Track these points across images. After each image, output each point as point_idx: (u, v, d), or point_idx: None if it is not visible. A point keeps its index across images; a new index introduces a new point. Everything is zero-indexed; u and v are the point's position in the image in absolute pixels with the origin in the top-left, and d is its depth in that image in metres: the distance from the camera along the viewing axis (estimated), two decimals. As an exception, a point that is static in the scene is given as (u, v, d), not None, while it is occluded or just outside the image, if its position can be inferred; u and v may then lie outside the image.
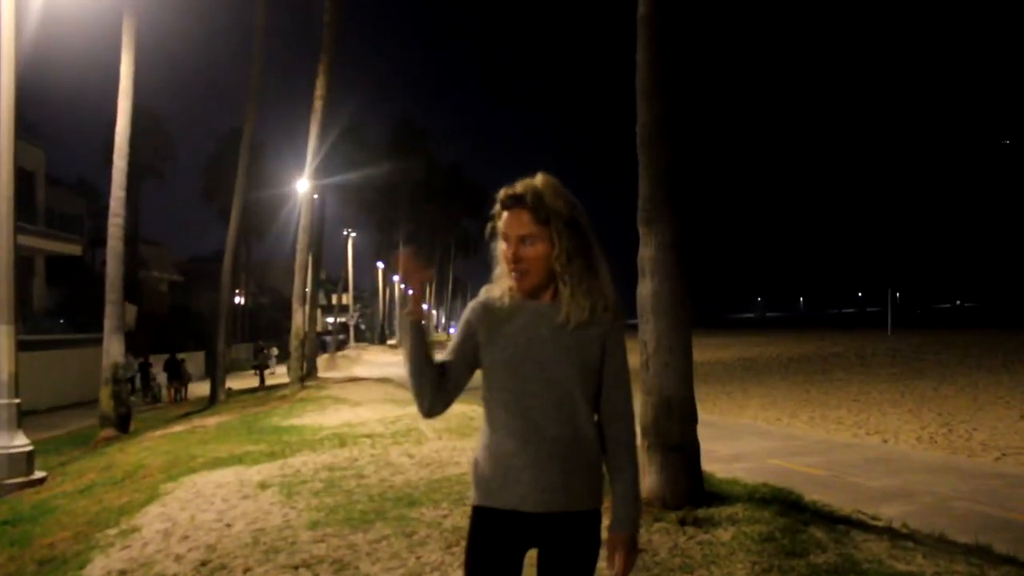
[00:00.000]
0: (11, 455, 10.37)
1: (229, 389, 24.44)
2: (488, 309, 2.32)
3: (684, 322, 6.38)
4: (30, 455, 10.70)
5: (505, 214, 2.29)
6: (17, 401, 10.61)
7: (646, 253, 6.36)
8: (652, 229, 6.34)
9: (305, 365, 24.59)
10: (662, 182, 6.37)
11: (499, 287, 2.35)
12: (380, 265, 76.09)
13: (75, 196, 41.31)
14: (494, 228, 2.33)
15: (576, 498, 2.25)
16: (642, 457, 6.21)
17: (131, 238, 27.63)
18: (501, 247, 2.31)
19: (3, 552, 7.00)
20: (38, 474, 10.76)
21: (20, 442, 10.55)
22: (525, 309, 2.30)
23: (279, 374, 32.72)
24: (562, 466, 2.23)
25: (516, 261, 2.26)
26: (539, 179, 2.30)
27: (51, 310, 31.27)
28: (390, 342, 74.00)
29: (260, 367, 30.18)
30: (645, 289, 6.36)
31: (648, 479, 6.18)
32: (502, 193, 2.30)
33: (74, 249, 32.72)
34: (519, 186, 2.29)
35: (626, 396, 2.35)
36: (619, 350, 2.34)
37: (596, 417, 2.33)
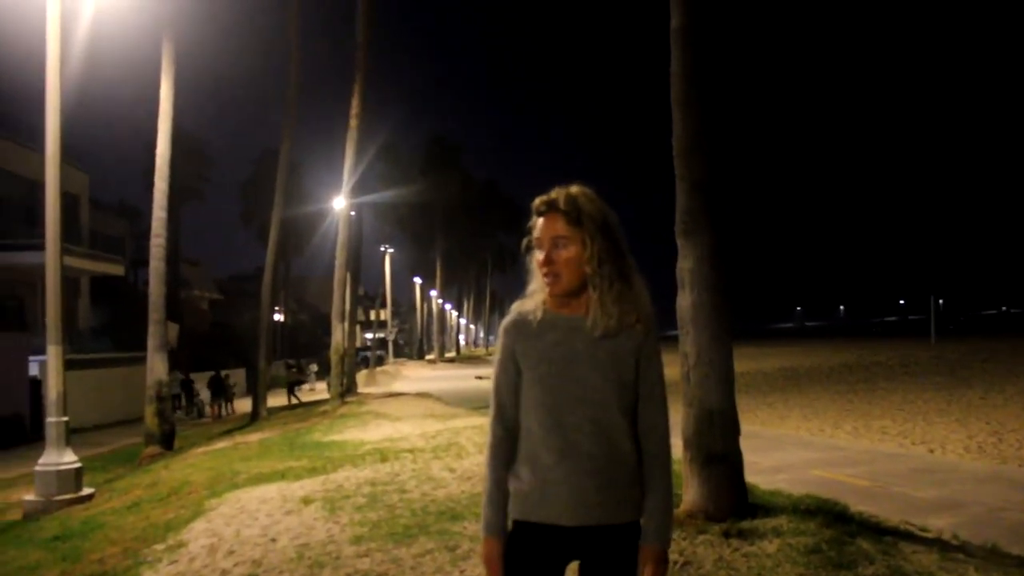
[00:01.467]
0: (60, 472, 10.56)
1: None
2: (521, 325, 2.33)
3: (724, 333, 6.35)
4: (78, 472, 10.89)
5: (540, 220, 2.31)
6: (66, 419, 10.81)
7: (685, 265, 6.35)
8: (690, 241, 6.33)
9: (345, 381, 24.76)
10: (699, 193, 6.36)
11: (532, 301, 2.35)
12: (417, 280, 76.45)
13: (117, 218, 42.08)
14: (530, 242, 2.35)
15: (614, 511, 2.25)
16: (685, 469, 6.18)
17: (172, 258, 28.04)
18: (535, 259, 2.32)
19: (55, 567, 7.13)
20: (86, 490, 10.94)
21: (69, 459, 10.75)
22: (558, 323, 2.30)
23: (319, 390, 32.96)
24: (599, 480, 2.23)
25: (548, 263, 2.27)
26: (573, 186, 2.34)
27: (95, 330, 31.79)
28: (428, 357, 74.23)
29: (292, 384, 30.43)
30: (684, 301, 6.35)
31: (691, 491, 6.15)
32: (537, 201, 2.33)
33: (117, 270, 33.30)
34: (553, 192, 2.33)
35: (661, 410, 2.35)
36: (654, 363, 2.34)
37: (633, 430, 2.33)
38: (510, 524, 2.32)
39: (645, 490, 2.31)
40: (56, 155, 11.00)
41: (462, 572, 5.12)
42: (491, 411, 2.38)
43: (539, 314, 2.32)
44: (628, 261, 2.34)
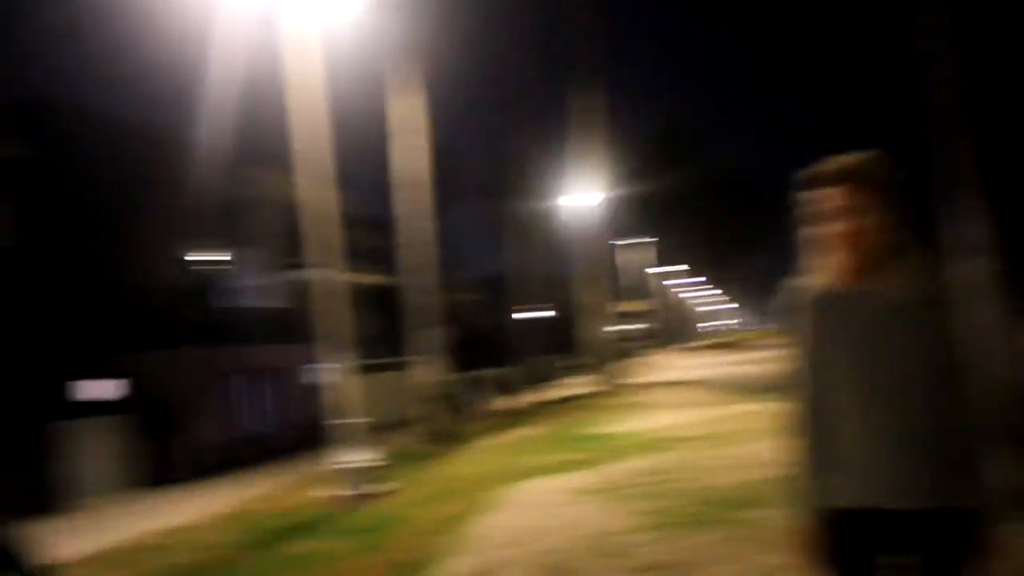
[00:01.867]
0: (361, 469, 11.45)
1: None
2: (814, 302, 2.26)
3: (1015, 301, 5.86)
4: (378, 468, 11.74)
5: (830, 190, 2.20)
6: (363, 419, 11.76)
7: (965, 231, 5.93)
8: (969, 205, 5.90)
9: (607, 372, 25.08)
10: (974, 152, 5.91)
11: (818, 276, 2.27)
12: (669, 268, 75.55)
13: (377, 231, 44.96)
14: (805, 215, 2.27)
15: (933, 494, 2.15)
16: (990, 449, 5.75)
17: (432, 264, 29.67)
18: (817, 230, 2.24)
19: (359, 557, 7.71)
20: (384, 486, 11.79)
21: (372, 456, 11.64)
22: (853, 297, 2.21)
23: (579, 383, 33.59)
24: (913, 460, 2.14)
25: (841, 236, 2.18)
26: (862, 154, 2.23)
27: (370, 337, 34.18)
28: (685, 344, 73.34)
29: (548, 378, 31.03)
30: (968, 269, 5.91)
31: (1000, 475, 5.71)
32: (826, 169, 2.23)
33: (381, 280, 35.80)
34: (842, 161, 2.22)
35: (964, 385, 2.25)
36: (952, 334, 2.24)
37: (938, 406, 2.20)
38: (815, 510, 2.27)
39: (960, 470, 2.21)
40: (330, 181, 12.13)
41: (760, 561, 5.03)
42: (788, 393, 2.33)
43: (831, 289, 2.24)
44: (920, 229, 2.24)
